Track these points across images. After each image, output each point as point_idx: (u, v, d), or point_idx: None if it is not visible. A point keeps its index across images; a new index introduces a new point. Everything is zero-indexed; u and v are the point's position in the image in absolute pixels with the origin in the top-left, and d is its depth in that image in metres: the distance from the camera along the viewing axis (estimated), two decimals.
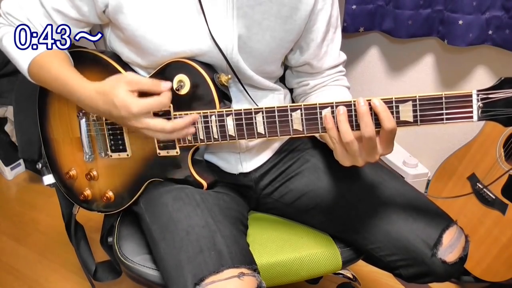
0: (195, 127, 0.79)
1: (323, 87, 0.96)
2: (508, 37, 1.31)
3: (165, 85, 0.74)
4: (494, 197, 1.28)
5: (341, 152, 0.71)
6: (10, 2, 0.85)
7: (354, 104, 0.68)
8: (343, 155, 0.71)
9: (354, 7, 1.47)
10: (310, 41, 0.90)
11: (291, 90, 1.03)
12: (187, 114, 0.79)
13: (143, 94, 0.74)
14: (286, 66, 1.00)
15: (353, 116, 0.69)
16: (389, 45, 1.60)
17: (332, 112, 0.70)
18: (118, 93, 0.72)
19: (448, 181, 1.45)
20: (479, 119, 0.65)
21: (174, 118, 0.79)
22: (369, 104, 0.67)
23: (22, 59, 0.84)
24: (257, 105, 0.87)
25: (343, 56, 0.97)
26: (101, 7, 0.80)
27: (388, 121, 0.66)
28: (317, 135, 0.90)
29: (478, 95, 0.64)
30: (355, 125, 0.69)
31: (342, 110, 0.68)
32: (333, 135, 0.69)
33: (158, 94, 0.74)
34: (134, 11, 0.78)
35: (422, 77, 1.59)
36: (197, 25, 0.79)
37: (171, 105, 0.80)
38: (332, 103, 0.70)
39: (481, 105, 0.64)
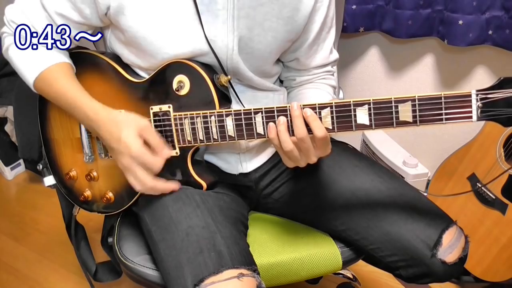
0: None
1: (308, 83, 0.97)
2: (508, 37, 1.31)
3: (165, 152, 0.78)
4: (494, 197, 1.28)
5: (283, 157, 0.75)
6: (13, 8, 0.86)
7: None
8: (286, 160, 0.75)
9: (354, 7, 1.47)
10: (305, 40, 0.90)
11: None
12: (187, 114, 0.79)
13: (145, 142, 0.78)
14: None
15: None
16: (389, 45, 1.60)
17: (274, 118, 0.73)
18: (128, 131, 0.76)
19: (448, 181, 1.44)
20: (479, 119, 0.65)
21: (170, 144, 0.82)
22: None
23: (28, 73, 0.84)
24: (244, 106, 0.87)
25: (334, 56, 0.97)
26: (103, 9, 0.80)
27: (318, 129, 0.69)
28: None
29: (477, 95, 0.64)
30: (291, 130, 0.72)
31: (282, 121, 0.71)
32: (276, 143, 0.73)
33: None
34: (135, 13, 0.78)
35: (422, 77, 1.59)
36: (197, 27, 0.79)
37: (171, 106, 0.81)
38: (332, 103, 0.70)
39: (480, 105, 0.64)
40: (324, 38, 0.93)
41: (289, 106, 0.71)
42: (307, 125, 0.70)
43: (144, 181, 0.78)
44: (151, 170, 0.78)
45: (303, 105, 0.71)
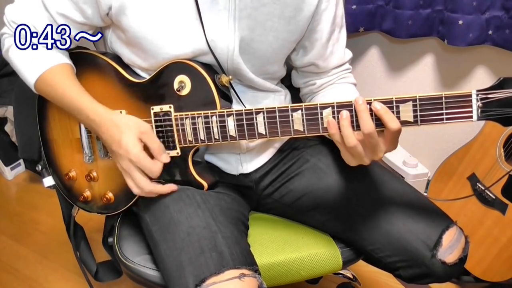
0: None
1: (330, 85, 0.96)
2: (508, 37, 1.31)
3: (164, 157, 0.80)
4: (494, 197, 1.28)
5: (346, 154, 0.72)
6: (14, 9, 0.85)
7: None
8: (349, 157, 0.72)
9: (354, 7, 1.47)
10: (315, 41, 0.90)
11: (295, 90, 1.03)
12: (188, 115, 0.79)
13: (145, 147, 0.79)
14: (291, 66, 0.99)
15: (354, 117, 0.69)
16: (389, 45, 1.60)
17: (333, 113, 0.70)
18: (129, 134, 0.77)
19: (448, 181, 1.45)
20: (479, 118, 0.65)
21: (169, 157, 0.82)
22: (369, 105, 0.67)
23: (29, 75, 0.84)
24: (245, 106, 0.87)
25: (348, 54, 0.97)
26: (105, 9, 0.80)
27: (392, 122, 0.66)
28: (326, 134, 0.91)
29: (477, 95, 0.64)
30: (356, 125, 0.69)
31: (345, 115, 0.69)
32: (337, 139, 0.70)
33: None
34: (136, 13, 0.78)
35: (422, 77, 1.59)
36: (198, 27, 0.79)
37: (172, 106, 0.81)
38: (333, 103, 0.70)
39: (480, 105, 0.64)
40: (337, 38, 0.92)
41: (353, 101, 0.68)
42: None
43: (142, 185, 0.79)
44: (149, 175, 0.79)
45: (306, 105, 0.71)
